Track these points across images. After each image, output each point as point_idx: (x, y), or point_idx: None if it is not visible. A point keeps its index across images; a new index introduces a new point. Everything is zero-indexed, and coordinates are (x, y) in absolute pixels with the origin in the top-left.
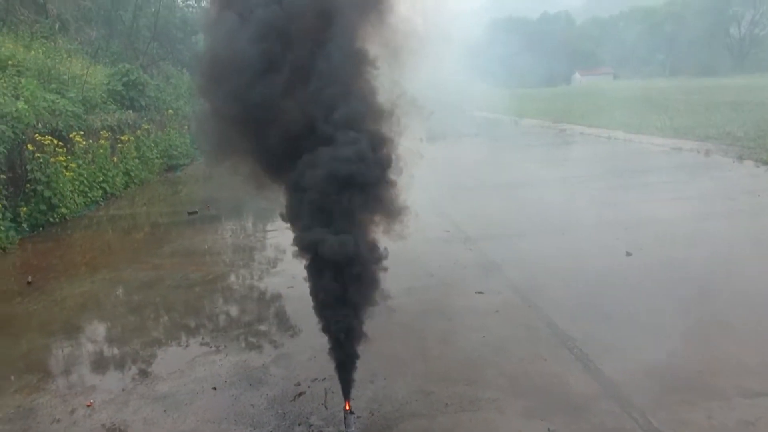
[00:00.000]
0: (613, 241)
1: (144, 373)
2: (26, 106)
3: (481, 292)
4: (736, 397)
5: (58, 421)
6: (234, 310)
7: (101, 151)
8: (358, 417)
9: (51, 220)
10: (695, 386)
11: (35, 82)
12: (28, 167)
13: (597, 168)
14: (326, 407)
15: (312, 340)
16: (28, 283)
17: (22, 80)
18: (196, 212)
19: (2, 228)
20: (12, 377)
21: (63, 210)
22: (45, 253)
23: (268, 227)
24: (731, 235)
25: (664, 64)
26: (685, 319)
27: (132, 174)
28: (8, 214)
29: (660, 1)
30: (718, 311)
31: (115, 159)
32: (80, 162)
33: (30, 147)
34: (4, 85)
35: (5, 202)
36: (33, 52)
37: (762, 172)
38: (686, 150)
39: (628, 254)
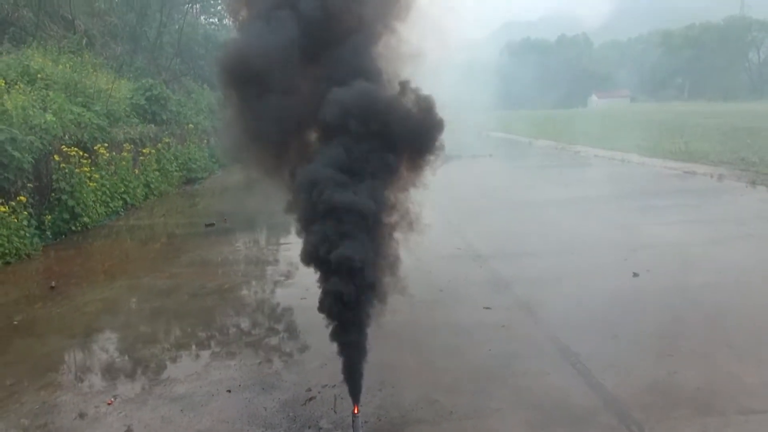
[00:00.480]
0: (621, 262)
1: (161, 375)
2: (54, 119)
3: (488, 308)
4: (732, 414)
5: (81, 416)
6: (248, 319)
7: (123, 163)
8: (365, 422)
9: (73, 228)
10: (694, 403)
11: (63, 95)
12: (54, 177)
13: (609, 190)
14: (335, 412)
15: (323, 349)
16: (52, 288)
17: (50, 93)
18: (213, 224)
19: (27, 235)
20: (36, 375)
21: (85, 219)
22: (67, 260)
23: (282, 240)
24: (739, 260)
25: (682, 88)
26: (689, 340)
27: (152, 186)
28: (33, 222)
29: (679, 25)
30: (722, 333)
31: (137, 171)
32: (103, 173)
33: (56, 158)
34: (34, 98)
35: (31, 210)
36: (61, 67)
37: None
38: (699, 174)
39: (635, 275)
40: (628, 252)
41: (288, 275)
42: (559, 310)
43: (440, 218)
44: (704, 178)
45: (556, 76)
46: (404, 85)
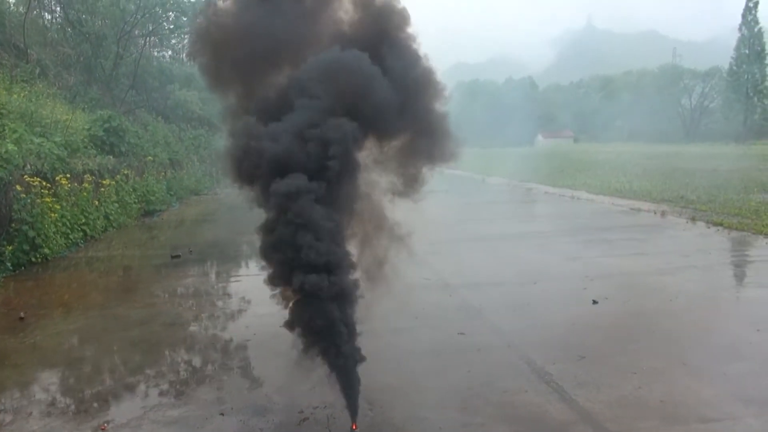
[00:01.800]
0: (580, 290)
1: (151, 401)
2: (15, 148)
3: (463, 333)
4: (694, 423)
5: None
6: (230, 345)
7: (84, 194)
8: None
9: (33, 260)
10: (660, 414)
11: (23, 125)
12: (15, 207)
13: (563, 225)
14: (329, 430)
15: (310, 373)
16: (21, 318)
17: (9, 123)
18: (179, 256)
19: None
20: (22, 404)
21: (46, 250)
22: (31, 291)
23: (249, 270)
24: (687, 288)
25: (621, 130)
26: (648, 360)
27: (111, 218)
28: None
29: (617, 71)
30: (677, 353)
31: (96, 202)
32: (64, 204)
33: (18, 187)
34: None
35: None
36: (15, 96)
37: (712, 233)
38: (644, 211)
39: (595, 302)
40: (586, 281)
41: (262, 303)
42: (530, 334)
43: (404, 250)
44: (649, 215)
45: (503, 116)
46: None
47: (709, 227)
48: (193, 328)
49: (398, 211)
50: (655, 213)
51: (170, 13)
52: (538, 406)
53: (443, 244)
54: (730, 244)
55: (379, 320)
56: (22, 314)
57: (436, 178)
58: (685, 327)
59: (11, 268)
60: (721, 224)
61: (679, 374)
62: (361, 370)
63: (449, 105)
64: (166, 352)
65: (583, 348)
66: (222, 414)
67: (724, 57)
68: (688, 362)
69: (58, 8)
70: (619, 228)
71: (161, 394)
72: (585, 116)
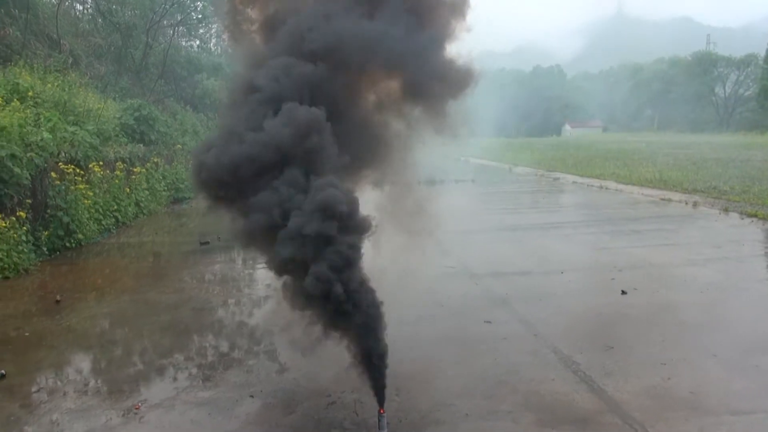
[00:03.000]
0: (608, 281)
1: (183, 382)
2: (50, 136)
3: (489, 322)
4: (724, 415)
5: (111, 420)
6: (258, 330)
7: (116, 181)
8: (387, 423)
9: (68, 245)
10: (689, 405)
11: (57, 113)
12: (50, 194)
13: (590, 215)
14: (357, 414)
15: (336, 358)
16: (57, 301)
17: (44, 112)
18: (208, 243)
19: (25, 250)
20: (58, 383)
21: (79, 236)
22: (66, 275)
23: None
24: (718, 280)
25: (652, 119)
26: (678, 351)
27: (141, 205)
28: (30, 238)
29: (648, 59)
30: (708, 345)
31: (128, 190)
32: (96, 191)
33: (53, 174)
34: (28, 115)
35: (28, 226)
36: (49, 85)
37: (746, 224)
38: (675, 201)
39: (624, 293)
40: (614, 272)
41: None
42: (556, 324)
43: (429, 238)
44: (679, 205)
45: (530, 105)
46: None
47: (742, 218)
48: (221, 313)
49: (424, 200)
50: (686, 203)
51: (198, 3)
52: (565, 395)
53: (469, 233)
54: (764, 236)
55: (405, 308)
56: (58, 297)
57: (463, 168)
58: (716, 319)
59: (47, 252)
60: (755, 215)
61: (710, 366)
62: (388, 356)
63: (475, 94)
64: (195, 337)
65: (611, 338)
66: (251, 396)
67: (760, 44)
68: (718, 354)
69: None
70: (649, 218)
71: (191, 376)
72: (614, 105)
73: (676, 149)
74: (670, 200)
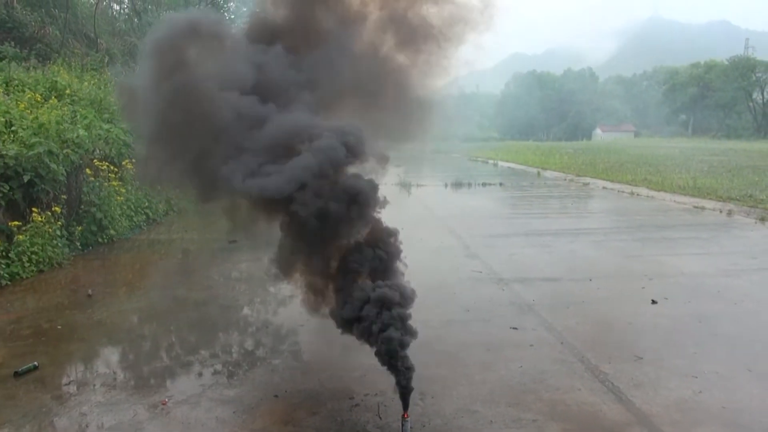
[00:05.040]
0: (638, 289)
1: (208, 379)
2: (86, 133)
3: (515, 328)
4: None
5: (139, 414)
6: (283, 329)
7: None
8: (411, 427)
9: (100, 240)
10: (721, 420)
11: (93, 111)
12: (84, 190)
13: (621, 222)
14: (380, 417)
15: (360, 360)
16: (89, 296)
17: (80, 109)
18: (236, 241)
19: (59, 245)
20: (88, 376)
21: (112, 232)
22: (98, 270)
23: None
24: (753, 291)
25: (686, 125)
26: (710, 364)
27: (172, 202)
28: (64, 232)
29: (683, 63)
30: (742, 359)
31: (159, 187)
32: (129, 188)
33: (88, 171)
34: (64, 112)
35: (62, 221)
36: (86, 83)
37: None
38: (708, 209)
39: (654, 302)
40: (645, 280)
41: None
42: (584, 332)
43: (457, 242)
44: (714, 213)
45: (561, 108)
46: None
47: None
48: (247, 311)
49: (451, 204)
50: (720, 212)
51: (231, 3)
52: (592, 406)
53: (496, 237)
54: None
55: (430, 311)
56: (89, 292)
57: (490, 171)
58: (751, 332)
59: (80, 247)
60: None
61: (744, 380)
62: (413, 360)
63: (505, 97)
64: (221, 334)
65: (641, 349)
66: (276, 396)
67: None
68: (753, 368)
69: None
70: (682, 226)
71: (217, 373)
72: (647, 110)
73: (711, 156)
74: (703, 208)
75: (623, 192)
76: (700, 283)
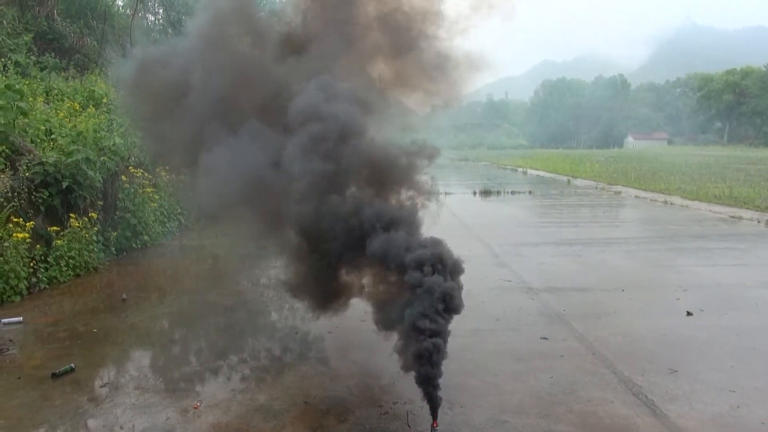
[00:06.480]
0: (673, 300)
1: (239, 384)
2: (121, 141)
3: (546, 338)
4: None
5: (171, 418)
6: (310, 335)
7: (181, 185)
8: None
9: (134, 245)
10: None
11: (128, 119)
12: (120, 196)
13: (654, 231)
14: (409, 425)
15: (389, 367)
16: (123, 300)
17: (116, 118)
18: (266, 247)
19: (96, 250)
20: (122, 379)
21: (145, 237)
22: (132, 275)
23: None
24: None
25: (721, 133)
26: (749, 378)
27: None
28: (101, 238)
29: (718, 69)
30: None
31: (191, 194)
32: (162, 194)
33: (124, 177)
34: (101, 120)
35: (99, 227)
36: (122, 92)
37: None
38: (746, 219)
39: (689, 314)
40: (679, 291)
41: None
42: (616, 343)
43: (485, 250)
44: (751, 223)
45: (591, 116)
46: None
47: None
48: (275, 316)
49: (479, 212)
50: (758, 222)
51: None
52: (625, 419)
53: (526, 246)
54: None
55: (459, 320)
56: (124, 296)
57: (519, 179)
58: None
59: (115, 252)
60: None
61: None
62: (442, 368)
63: (534, 104)
64: (250, 339)
65: (675, 361)
66: (306, 402)
67: None
68: None
69: (161, 10)
70: (717, 236)
71: (245, 378)
72: (681, 117)
73: (748, 164)
74: (740, 218)
75: (656, 201)
76: (736, 295)
